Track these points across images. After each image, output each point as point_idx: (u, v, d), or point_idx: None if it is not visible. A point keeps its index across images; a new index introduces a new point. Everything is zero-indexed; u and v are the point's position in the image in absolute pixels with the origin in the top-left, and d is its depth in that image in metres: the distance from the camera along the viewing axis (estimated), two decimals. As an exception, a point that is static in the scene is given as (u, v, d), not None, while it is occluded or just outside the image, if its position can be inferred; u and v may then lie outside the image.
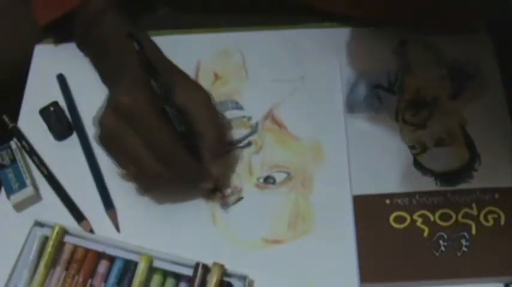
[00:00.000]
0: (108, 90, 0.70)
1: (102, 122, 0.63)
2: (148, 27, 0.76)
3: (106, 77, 0.72)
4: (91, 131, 0.72)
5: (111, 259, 0.63)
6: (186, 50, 0.75)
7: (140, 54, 0.62)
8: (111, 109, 0.62)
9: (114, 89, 0.65)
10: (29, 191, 0.67)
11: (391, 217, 0.64)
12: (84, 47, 0.75)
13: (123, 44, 0.63)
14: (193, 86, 0.68)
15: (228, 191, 0.68)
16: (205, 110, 0.65)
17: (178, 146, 0.63)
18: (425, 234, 0.63)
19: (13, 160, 0.69)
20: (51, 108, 0.72)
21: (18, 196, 0.67)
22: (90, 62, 0.75)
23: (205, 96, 0.66)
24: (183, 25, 0.78)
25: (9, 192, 0.67)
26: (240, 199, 0.68)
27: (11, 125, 0.73)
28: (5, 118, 0.73)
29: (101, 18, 0.71)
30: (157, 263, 0.62)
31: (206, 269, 0.61)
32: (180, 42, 0.77)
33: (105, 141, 0.64)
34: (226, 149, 0.68)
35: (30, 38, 0.78)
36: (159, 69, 0.63)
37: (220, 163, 0.66)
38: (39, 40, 0.78)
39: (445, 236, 0.63)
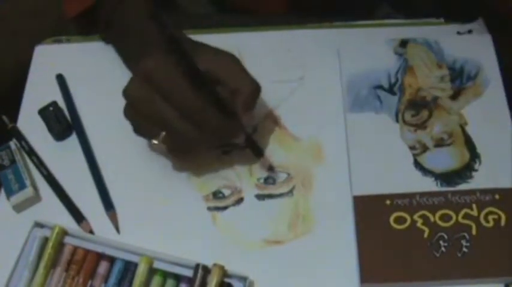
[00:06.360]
0: (131, 72, 0.70)
1: (128, 91, 0.63)
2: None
3: (130, 59, 0.73)
4: (90, 131, 0.72)
5: (111, 260, 0.63)
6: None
7: (165, 30, 0.61)
8: (136, 77, 0.63)
9: (138, 62, 0.65)
10: (28, 192, 0.67)
11: (392, 218, 0.64)
12: (107, 35, 0.76)
13: (146, 24, 0.64)
14: (216, 50, 0.67)
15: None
16: (234, 68, 0.65)
17: (207, 103, 0.62)
18: (426, 235, 0.63)
19: (13, 161, 0.69)
20: (50, 109, 0.72)
21: (18, 197, 0.67)
22: (115, 51, 0.75)
23: (230, 56, 0.66)
24: (181, 26, 0.78)
25: (9, 193, 0.67)
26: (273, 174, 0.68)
27: (10, 126, 0.73)
28: (5, 118, 0.73)
29: (123, 3, 0.72)
30: (157, 264, 0.62)
31: (206, 270, 0.61)
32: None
33: (132, 110, 0.64)
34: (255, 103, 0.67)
35: (30, 39, 0.78)
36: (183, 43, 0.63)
37: (251, 116, 0.66)
38: (38, 41, 0.78)
39: (446, 236, 0.63)
